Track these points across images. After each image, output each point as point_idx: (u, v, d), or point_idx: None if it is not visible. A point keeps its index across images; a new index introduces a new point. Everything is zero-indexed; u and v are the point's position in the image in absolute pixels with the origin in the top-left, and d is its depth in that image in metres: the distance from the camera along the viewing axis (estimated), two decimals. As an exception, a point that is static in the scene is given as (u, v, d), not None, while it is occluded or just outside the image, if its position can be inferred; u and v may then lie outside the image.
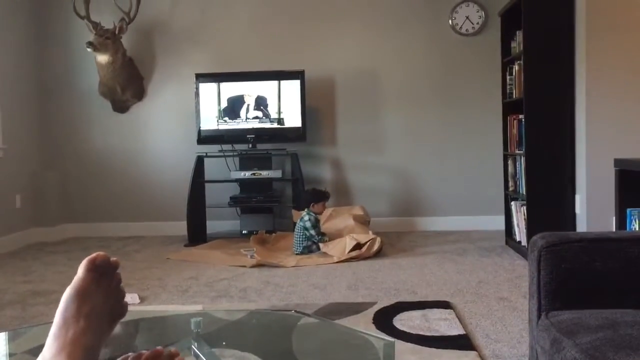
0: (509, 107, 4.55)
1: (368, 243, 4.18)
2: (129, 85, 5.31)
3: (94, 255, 0.93)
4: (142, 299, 3.23)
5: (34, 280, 3.78)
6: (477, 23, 5.25)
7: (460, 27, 5.26)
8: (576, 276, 1.52)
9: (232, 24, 5.39)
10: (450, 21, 5.27)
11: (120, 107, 5.45)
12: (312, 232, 4.33)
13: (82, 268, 0.92)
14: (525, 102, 4.03)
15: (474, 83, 5.27)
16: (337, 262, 4.04)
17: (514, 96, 4.42)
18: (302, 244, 4.34)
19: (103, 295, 0.92)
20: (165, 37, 5.43)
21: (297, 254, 4.32)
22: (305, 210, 4.41)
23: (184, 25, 5.42)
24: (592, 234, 1.57)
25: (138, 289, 3.46)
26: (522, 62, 4.09)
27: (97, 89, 5.37)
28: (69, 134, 5.50)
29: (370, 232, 4.40)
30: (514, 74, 4.43)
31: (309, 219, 4.34)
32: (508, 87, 4.57)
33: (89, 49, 4.94)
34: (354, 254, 4.11)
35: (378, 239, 4.25)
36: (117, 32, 5.05)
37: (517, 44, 4.36)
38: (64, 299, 0.90)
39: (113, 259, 0.95)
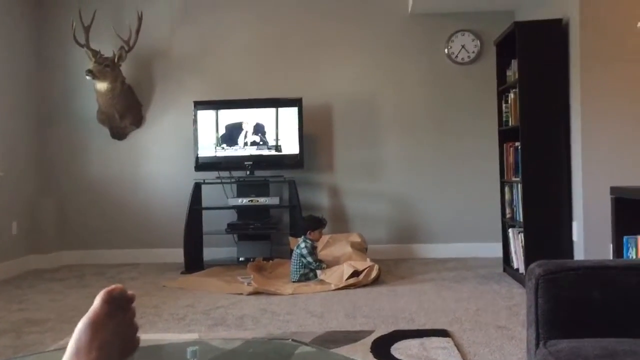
0: (505, 135, 4.57)
1: (366, 270, 4.17)
2: (127, 112, 5.34)
3: (111, 287, 0.94)
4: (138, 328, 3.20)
5: (29, 308, 3.75)
6: (473, 52, 5.31)
7: (456, 56, 5.32)
8: (574, 305, 1.52)
9: (230, 52, 5.45)
10: (446, 50, 5.33)
11: (119, 134, 5.47)
12: (309, 259, 4.32)
13: (98, 299, 0.92)
14: (521, 129, 4.06)
15: (470, 111, 5.32)
16: (334, 290, 4.02)
17: (510, 124, 4.45)
18: (299, 271, 4.32)
19: (116, 328, 0.92)
20: (164, 65, 5.48)
21: (294, 281, 4.30)
22: (302, 237, 4.40)
23: (182, 53, 5.47)
24: (589, 262, 1.58)
25: (134, 317, 3.42)
26: (517, 90, 4.13)
27: (96, 116, 5.39)
28: (67, 160, 5.51)
29: (368, 260, 4.39)
30: (509, 102, 4.46)
31: (305, 246, 4.33)
32: (504, 114, 4.60)
33: (88, 77, 4.98)
34: (351, 281, 4.09)
35: (376, 267, 4.24)
36: (116, 60, 5.10)
37: (513, 72, 4.40)
38: (78, 328, 0.90)
39: (130, 292, 0.95)
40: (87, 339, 0.89)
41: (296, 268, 4.34)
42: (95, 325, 0.90)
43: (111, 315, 0.92)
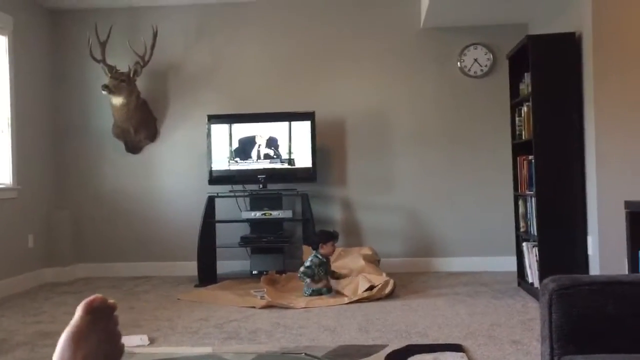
0: (519, 148, 4.56)
1: (380, 285, 4.15)
2: (142, 126, 5.40)
3: (91, 297, 0.94)
4: (152, 340, 3.22)
5: (44, 321, 3.78)
6: (486, 65, 5.31)
7: (469, 69, 5.33)
8: (588, 320, 1.51)
9: (243, 66, 5.50)
10: (458, 63, 5.34)
11: (134, 147, 5.52)
12: (302, 268, 4.29)
13: (78, 311, 0.93)
14: (534, 143, 4.05)
15: (484, 124, 5.31)
16: (347, 304, 4.01)
17: (523, 137, 4.43)
18: (312, 286, 4.30)
19: (99, 339, 0.92)
20: (179, 79, 5.54)
21: (306, 295, 4.28)
22: (314, 252, 4.39)
23: (196, 67, 5.53)
24: (603, 277, 1.57)
25: (148, 329, 3.45)
26: (530, 103, 4.12)
27: (111, 130, 5.46)
28: (82, 174, 5.57)
29: (384, 274, 4.37)
30: (522, 115, 4.45)
31: (311, 260, 4.32)
32: (517, 128, 4.59)
33: (104, 92, 5.05)
34: (365, 294, 4.08)
35: (391, 282, 4.22)
36: (131, 75, 5.17)
37: (526, 85, 4.40)
38: (60, 342, 0.91)
39: (110, 301, 0.96)
40: (71, 352, 0.89)
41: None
42: (78, 338, 0.90)
43: (93, 326, 0.92)
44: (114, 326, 0.96)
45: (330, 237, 4.41)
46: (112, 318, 0.96)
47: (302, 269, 4.31)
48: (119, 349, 0.97)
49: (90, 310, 0.93)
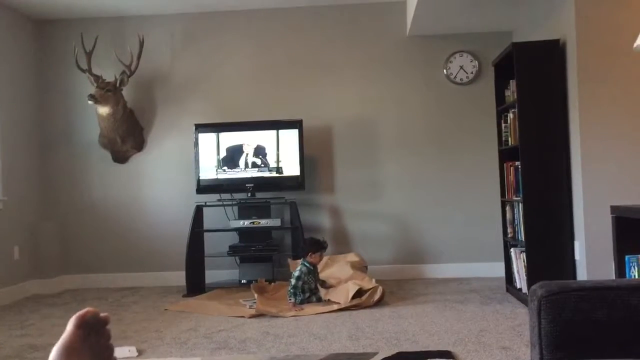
0: (505, 154, 4.59)
1: (369, 292, 4.16)
2: (129, 136, 5.37)
3: (83, 311, 0.93)
4: (140, 352, 3.19)
5: (31, 333, 3.74)
6: (471, 72, 5.36)
7: (455, 77, 5.37)
8: (577, 325, 1.52)
9: (230, 75, 5.49)
10: (444, 71, 5.38)
11: (120, 157, 5.49)
12: (293, 281, 4.27)
13: (70, 324, 0.92)
14: (520, 149, 4.08)
15: (470, 131, 5.34)
16: (337, 311, 4.01)
17: (510, 143, 4.47)
18: (300, 296, 4.29)
19: (91, 352, 0.92)
20: (165, 88, 5.52)
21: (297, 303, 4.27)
22: (302, 260, 4.38)
23: (183, 76, 5.52)
24: (591, 283, 1.58)
25: (136, 341, 3.42)
26: (516, 110, 4.16)
27: (98, 140, 5.43)
28: (69, 185, 5.53)
29: (373, 280, 4.38)
30: (508, 121, 4.49)
31: (300, 269, 4.31)
32: (503, 134, 4.62)
33: (90, 102, 5.02)
34: (355, 302, 4.08)
35: (380, 288, 4.23)
36: (118, 84, 5.15)
37: (511, 92, 4.44)
38: (52, 356, 0.90)
39: (103, 314, 0.95)
40: None
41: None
42: (70, 351, 0.89)
43: (84, 340, 0.91)
44: (106, 340, 0.95)
45: (319, 246, 4.40)
46: (104, 332, 0.95)
47: (292, 282, 4.28)
48: None
49: (81, 324, 0.92)
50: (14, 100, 5.15)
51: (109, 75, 5.22)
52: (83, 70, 5.15)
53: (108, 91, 5.07)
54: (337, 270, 4.63)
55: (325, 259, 4.68)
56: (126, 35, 5.44)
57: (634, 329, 1.52)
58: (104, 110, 5.13)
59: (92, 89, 5.08)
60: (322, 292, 4.32)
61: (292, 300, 4.21)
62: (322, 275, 4.54)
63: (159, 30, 5.50)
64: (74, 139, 5.55)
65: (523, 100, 4.09)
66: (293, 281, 4.28)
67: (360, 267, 4.70)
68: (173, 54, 5.53)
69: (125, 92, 5.28)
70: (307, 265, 4.33)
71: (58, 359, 0.89)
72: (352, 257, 4.81)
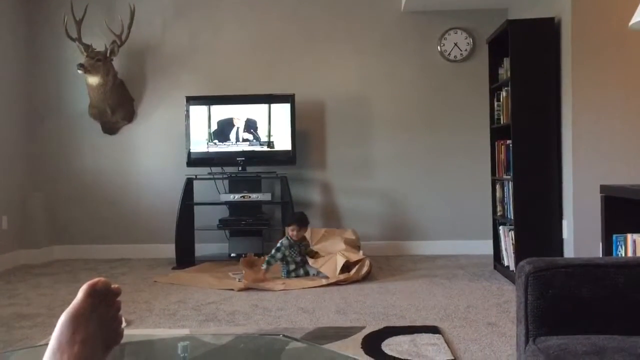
0: (497, 133, 4.59)
1: (357, 266, 4.18)
2: (119, 107, 5.32)
3: (95, 280, 0.92)
4: (129, 323, 3.20)
5: (19, 303, 3.74)
6: (466, 50, 5.33)
7: (449, 54, 5.34)
8: (563, 302, 1.53)
9: (222, 48, 5.43)
10: (439, 47, 5.34)
11: (110, 128, 5.44)
12: (272, 251, 4.31)
13: (81, 292, 0.91)
14: (512, 127, 4.08)
15: (463, 108, 5.33)
16: (325, 286, 4.03)
17: (502, 122, 4.46)
18: (285, 268, 4.32)
19: (99, 322, 0.91)
20: (157, 59, 5.46)
21: (284, 277, 4.30)
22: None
23: (175, 48, 5.45)
24: (578, 260, 1.59)
25: (125, 312, 3.42)
26: (509, 88, 4.15)
27: (87, 111, 5.37)
28: (58, 155, 5.48)
29: (361, 253, 4.41)
30: (501, 100, 4.48)
31: (281, 241, 4.35)
32: (496, 112, 4.62)
33: (79, 71, 4.95)
34: (342, 277, 4.10)
35: (367, 261, 4.26)
36: (108, 54, 5.08)
37: (505, 70, 4.42)
38: (59, 322, 0.89)
39: (115, 285, 0.94)
40: (70, 333, 0.88)
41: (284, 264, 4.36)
42: (78, 319, 0.89)
43: (93, 309, 0.90)
44: (115, 311, 0.95)
45: (292, 221, 4.39)
46: (115, 303, 0.95)
47: (272, 251, 4.32)
48: (119, 334, 0.96)
49: (92, 293, 0.91)
50: (2, 69, 5.07)
51: (99, 44, 5.15)
52: (73, 39, 5.07)
53: (98, 60, 5.01)
54: (330, 245, 4.64)
55: (322, 231, 4.75)
56: (117, 5, 5.35)
57: (619, 305, 1.53)
58: (93, 80, 5.07)
59: (82, 58, 5.01)
60: (311, 261, 4.34)
61: (264, 267, 4.24)
62: (317, 247, 4.57)
63: (150, 0, 5.41)
64: (63, 108, 5.48)
65: (516, 78, 4.08)
66: (273, 251, 4.31)
67: (354, 246, 4.71)
68: (164, 25, 5.45)
69: (116, 62, 5.22)
70: (288, 238, 4.35)
71: (65, 325, 0.88)
72: (348, 234, 4.81)
